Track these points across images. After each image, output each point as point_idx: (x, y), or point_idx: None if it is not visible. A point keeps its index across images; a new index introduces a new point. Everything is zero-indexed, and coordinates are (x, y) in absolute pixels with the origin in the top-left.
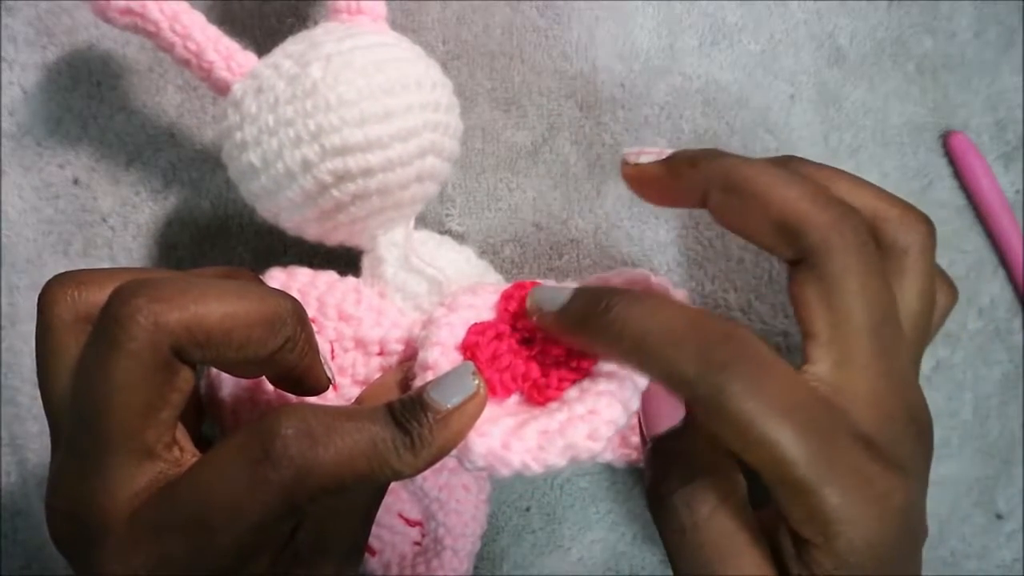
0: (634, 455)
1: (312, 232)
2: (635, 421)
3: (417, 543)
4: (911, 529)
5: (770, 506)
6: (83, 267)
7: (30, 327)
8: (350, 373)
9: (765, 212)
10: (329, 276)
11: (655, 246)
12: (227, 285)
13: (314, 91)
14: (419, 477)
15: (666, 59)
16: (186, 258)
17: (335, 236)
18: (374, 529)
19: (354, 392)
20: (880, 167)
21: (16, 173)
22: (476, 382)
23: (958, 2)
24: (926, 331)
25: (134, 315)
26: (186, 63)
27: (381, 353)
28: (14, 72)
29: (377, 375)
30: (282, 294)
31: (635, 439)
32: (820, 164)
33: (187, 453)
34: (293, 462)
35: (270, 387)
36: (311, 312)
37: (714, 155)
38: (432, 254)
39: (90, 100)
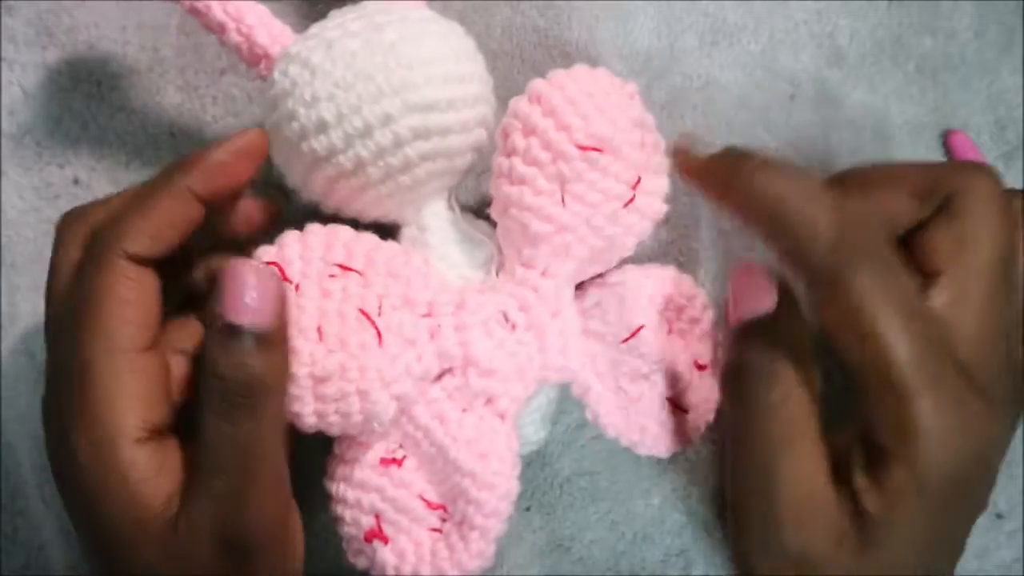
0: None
1: (358, 203)
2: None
3: (436, 529)
4: (986, 471)
5: (841, 430)
6: None
7: (30, 327)
8: (396, 331)
9: (906, 184)
10: (373, 236)
11: (656, 245)
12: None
13: (394, 50)
14: (453, 448)
15: (666, 59)
16: None
17: (382, 206)
18: (389, 514)
19: (399, 350)
20: None
21: (16, 173)
22: None
23: (958, 2)
24: None
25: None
26: (221, 27)
27: (429, 314)
28: (14, 72)
29: (424, 336)
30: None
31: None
32: None
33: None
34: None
35: None
36: (359, 266)
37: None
38: (471, 224)
39: (90, 100)
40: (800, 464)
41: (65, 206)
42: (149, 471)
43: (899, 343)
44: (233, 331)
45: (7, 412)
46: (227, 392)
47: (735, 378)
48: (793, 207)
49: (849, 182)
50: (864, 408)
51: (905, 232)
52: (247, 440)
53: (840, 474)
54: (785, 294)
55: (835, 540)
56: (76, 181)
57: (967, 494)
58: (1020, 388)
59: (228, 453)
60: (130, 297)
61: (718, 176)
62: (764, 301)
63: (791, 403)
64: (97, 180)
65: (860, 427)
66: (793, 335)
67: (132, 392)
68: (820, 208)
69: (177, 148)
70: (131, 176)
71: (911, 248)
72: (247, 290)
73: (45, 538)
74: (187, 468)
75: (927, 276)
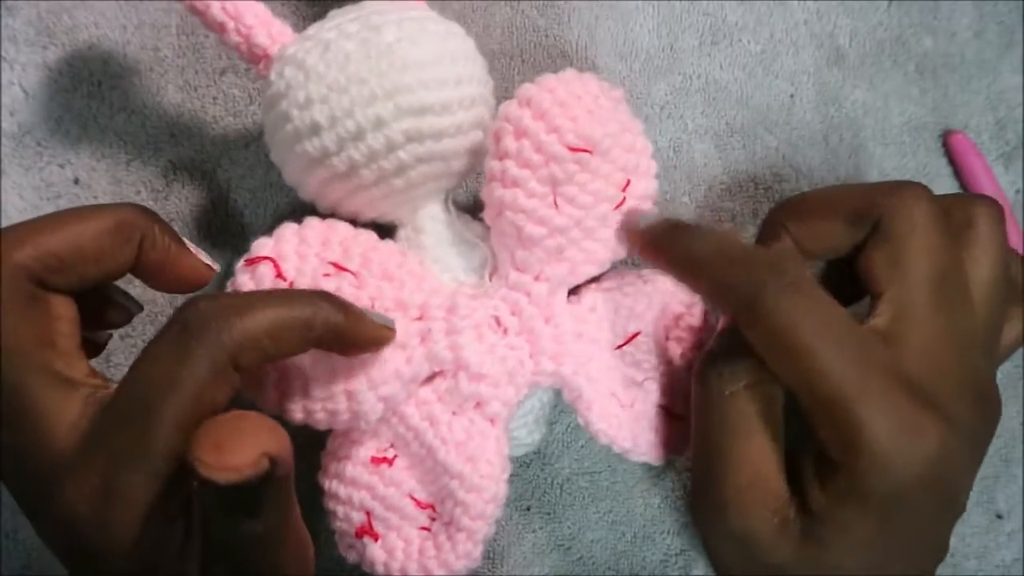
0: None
1: (353, 204)
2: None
3: (425, 528)
4: (939, 483)
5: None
6: None
7: None
8: None
9: (838, 211)
10: (370, 235)
11: None
12: (70, 211)
13: (389, 52)
14: (442, 450)
15: (666, 59)
16: None
17: (377, 208)
18: (379, 512)
19: (390, 353)
20: (880, 167)
21: (16, 173)
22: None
23: (958, 2)
24: (999, 304)
25: None
26: (221, 27)
27: (421, 318)
28: (14, 72)
29: (415, 340)
30: (125, 204)
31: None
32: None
33: (114, 382)
34: (211, 326)
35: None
36: (354, 266)
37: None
38: (467, 226)
39: (90, 100)
40: (749, 452)
41: (65, 206)
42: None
43: (829, 356)
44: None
45: None
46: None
47: (702, 368)
48: (708, 262)
49: (787, 211)
50: (811, 426)
51: (847, 255)
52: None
53: (794, 471)
54: None
55: (778, 527)
56: (76, 181)
57: (919, 505)
58: (989, 399)
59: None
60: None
61: (654, 242)
62: None
63: (742, 398)
64: (97, 180)
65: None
66: None
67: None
68: (730, 258)
69: (177, 148)
70: (131, 176)
71: (854, 271)
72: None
73: None
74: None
75: (872, 297)
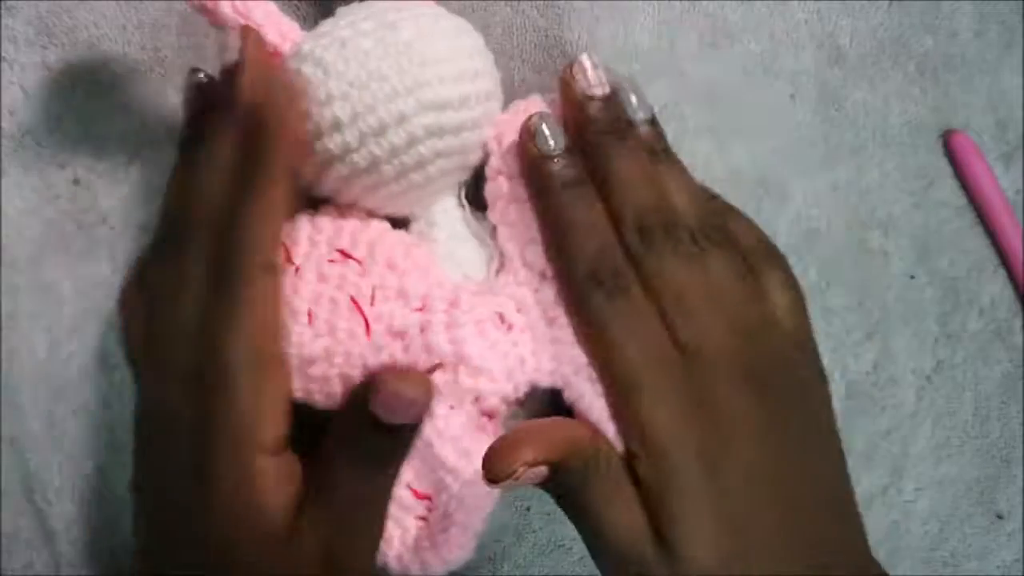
0: None
1: (370, 201)
2: None
3: (422, 518)
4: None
5: None
6: (83, 267)
7: (31, 326)
8: (386, 322)
9: None
10: (381, 224)
11: None
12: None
13: (408, 48)
14: (438, 443)
15: (666, 59)
16: None
17: (393, 204)
18: None
19: (387, 341)
20: (880, 167)
21: (16, 173)
22: None
23: (959, 2)
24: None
25: None
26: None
27: (422, 309)
28: (14, 72)
29: (414, 330)
30: None
31: None
32: None
33: None
34: None
35: None
36: (360, 254)
37: None
38: (479, 222)
39: (90, 100)
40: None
41: (65, 206)
42: (272, 481)
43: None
44: (387, 428)
45: (7, 412)
46: (369, 457)
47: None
48: (572, 237)
49: None
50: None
51: None
52: (375, 494)
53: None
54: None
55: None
56: (76, 181)
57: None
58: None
59: (357, 502)
60: (270, 303)
61: (537, 185)
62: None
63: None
64: (97, 180)
65: None
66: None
67: (273, 403)
68: (583, 238)
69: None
70: (131, 176)
71: None
72: (404, 398)
73: (45, 538)
74: (304, 483)
75: None
